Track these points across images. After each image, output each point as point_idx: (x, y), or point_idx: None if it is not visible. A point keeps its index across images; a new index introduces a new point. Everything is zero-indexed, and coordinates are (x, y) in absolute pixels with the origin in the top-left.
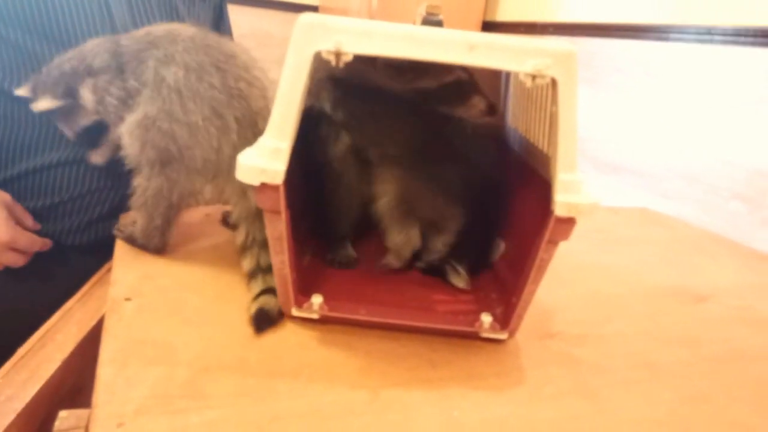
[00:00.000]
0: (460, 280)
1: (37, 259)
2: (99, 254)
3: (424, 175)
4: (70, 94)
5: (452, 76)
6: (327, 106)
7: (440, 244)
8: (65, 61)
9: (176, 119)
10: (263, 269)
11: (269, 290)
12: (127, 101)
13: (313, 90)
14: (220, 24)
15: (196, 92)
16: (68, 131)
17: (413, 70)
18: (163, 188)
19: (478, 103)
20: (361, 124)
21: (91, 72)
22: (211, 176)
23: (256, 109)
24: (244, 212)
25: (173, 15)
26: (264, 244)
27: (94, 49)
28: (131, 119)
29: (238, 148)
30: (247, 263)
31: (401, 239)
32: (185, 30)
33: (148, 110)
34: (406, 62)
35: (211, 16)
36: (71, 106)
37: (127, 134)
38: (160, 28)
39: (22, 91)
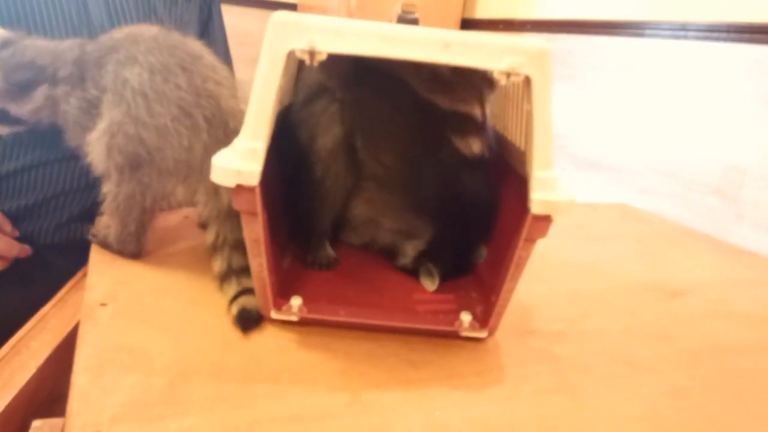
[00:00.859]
0: (430, 282)
1: (16, 263)
2: (77, 255)
3: (402, 189)
4: (25, 87)
5: (467, 108)
6: (334, 82)
7: (410, 249)
8: (44, 53)
9: (143, 123)
10: (236, 271)
11: (247, 291)
12: (90, 111)
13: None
14: (209, 25)
15: (162, 94)
16: None
17: (443, 82)
18: (135, 193)
19: (472, 144)
20: (365, 120)
21: (54, 80)
22: (183, 177)
23: (226, 108)
24: (215, 211)
25: (151, 15)
26: (235, 245)
27: (65, 54)
28: (99, 128)
29: (209, 147)
30: (218, 265)
31: (359, 241)
32: (147, 30)
33: (114, 115)
34: (443, 69)
35: (197, 16)
36: (16, 93)
37: (93, 142)
38: (122, 32)
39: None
